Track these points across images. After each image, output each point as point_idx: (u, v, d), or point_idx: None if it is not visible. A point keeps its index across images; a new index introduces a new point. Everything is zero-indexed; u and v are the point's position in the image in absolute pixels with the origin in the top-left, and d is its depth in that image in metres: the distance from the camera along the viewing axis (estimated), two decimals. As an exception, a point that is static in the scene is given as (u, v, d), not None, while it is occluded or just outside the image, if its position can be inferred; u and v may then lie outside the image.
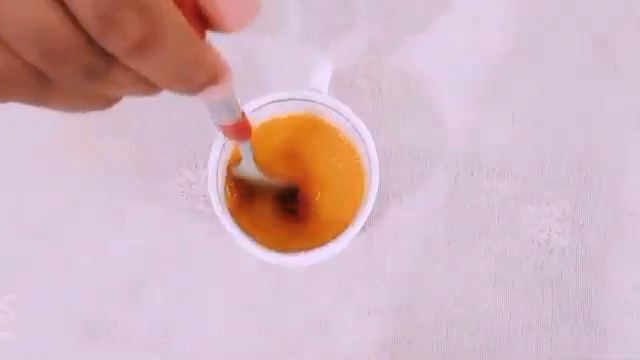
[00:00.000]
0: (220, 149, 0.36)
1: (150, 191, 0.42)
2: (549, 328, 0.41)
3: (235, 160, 0.36)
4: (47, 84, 0.16)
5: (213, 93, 0.19)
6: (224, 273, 0.41)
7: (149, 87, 0.18)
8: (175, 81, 0.17)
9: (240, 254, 0.41)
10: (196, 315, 0.41)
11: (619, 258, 0.42)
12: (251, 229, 0.36)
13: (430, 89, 0.44)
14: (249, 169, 0.35)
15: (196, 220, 0.42)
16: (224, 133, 0.28)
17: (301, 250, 0.34)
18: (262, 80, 0.44)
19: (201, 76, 0.18)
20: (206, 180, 0.35)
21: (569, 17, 0.46)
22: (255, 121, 0.38)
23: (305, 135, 0.38)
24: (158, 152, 0.43)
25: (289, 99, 0.37)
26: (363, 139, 0.36)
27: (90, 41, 0.15)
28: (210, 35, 0.19)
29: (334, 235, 0.34)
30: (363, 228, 0.35)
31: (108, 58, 0.16)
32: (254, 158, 0.34)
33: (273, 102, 0.37)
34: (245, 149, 0.34)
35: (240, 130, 0.27)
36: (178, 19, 0.16)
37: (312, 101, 0.37)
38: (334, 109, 0.37)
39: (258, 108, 0.37)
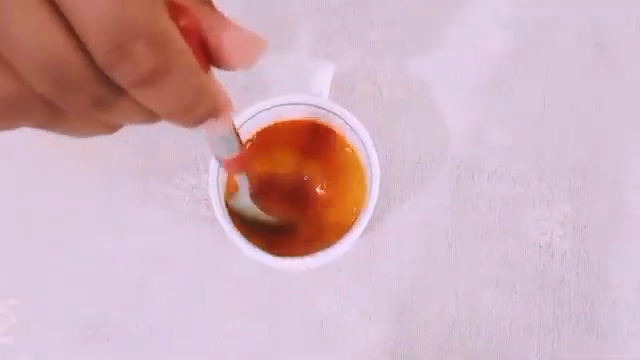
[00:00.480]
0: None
1: (151, 195, 0.42)
2: (551, 331, 0.41)
3: (232, 188, 0.36)
4: (56, 111, 0.17)
5: (213, 127, 0.19)
6: (225, 277, 0.41)
7: (151, 116, 0.18)
8: (177, 113, 0.17)
9: (241, 258, 0.41)
10: (196, 319, 0.41)
11: (620, 261, 0.42)
12: (252, 233, 0.36)
13: (431, 92, 0.45)
14: (244, 202, 0.35)
15: (197, 224, 0.42)
16: (221, 166, 0.28)
17: (302, 254, 0.34)
18: (263, 85, 0.44)
19: (202, 109, 0.18)
20: (207, 184, 0.35)
21: (569, 20, 0.46)
22: (256, 126, 0.38)
23: (306, 139, 0.38)
24: (160, 156, 0.43)
25: (290, 103, 0.37)
26: (364, 143, 0.36)
27: (99, 72, 0.15)
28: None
29: (335, 239, 0.34)
30: (364, 231, 0.35)
31: (116, 89, 0.16)
32: (250, 193, 0.35)
33: (274, 107, 0.37)
34: (242, 182, 0.34)
35: (237, 165, 0.28)
36: (186, 54, 0.16)
37: (313, 105, 0.37)
38: (335, 113, 0.37)
39: (259, 113, 0.37)
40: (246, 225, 0.36)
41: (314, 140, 0.39)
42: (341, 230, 0.35)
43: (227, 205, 0.35)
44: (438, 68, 0.45)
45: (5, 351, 0.40)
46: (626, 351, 0.41)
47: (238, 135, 0.26)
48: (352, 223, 0.35)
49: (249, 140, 0.38)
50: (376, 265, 0.41)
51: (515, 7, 0.46)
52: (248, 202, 0.35)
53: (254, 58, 0.19)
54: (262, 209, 0.36)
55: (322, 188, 0.38)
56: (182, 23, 0.17)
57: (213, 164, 0.35)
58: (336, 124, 0.38)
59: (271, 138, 0.38)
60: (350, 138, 0.38)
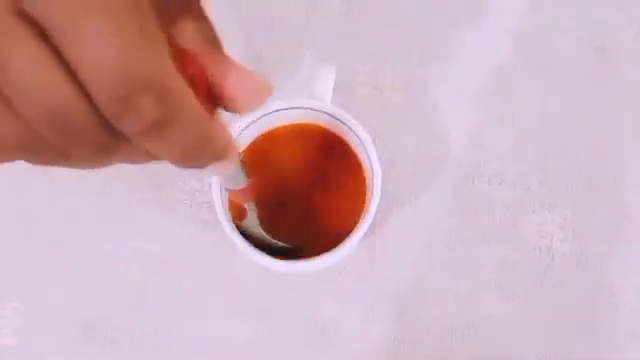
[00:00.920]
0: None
1: (154, 198, 0.43)
2: (551, 334, 0.41)
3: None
4: (63, 154, 0.17)
5: (218, 168, 0.19)
6: (227, 279, 0.41)
7: (155, 159, 0.18)
8: (183, 159, 0.17)
9: (241, 259, 0.41)
10: (198, 321, 0.41)
11: (621, 264, 0.42)
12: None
13: (432, 96, 0.45)
14: (252, 227, 0.36)
15: (199, 227, 0.42)
16: (229, 194, 0.28)
17: (303, 257, 0.34)
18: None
19: (208, 155, 0.18)
20: (210, 187, 0.35)
21: (569, 23, 0.46)
22: (257, 130, 0.38)
23: (308, 143, 0.39)
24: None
25: (292, 107, 0.37)
26: (365, 146, 0.36)
27: (104, 121, 0.15)
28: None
29: (337, 242, 0.34)
30: (365, 234, 0.35)
31: (120, 136, 0.16)
32: (258, 217, 0.35)
33: (276, 111, 0.37)
34: (249, 208, 0.34)
35: (244, 195, 0.28)
36: (192, 103, 0.16)
37: (315, 109, 0.37)
38: (336, 117, 0.37)
39: (261, 117, 0.37)
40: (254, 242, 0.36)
41: (315, 144, 0.39)
42: (342, 233, 0.35)
43: (237, 227, 0.36)
44: (439, 72, 0.45)
45: (7, 352, 0.40)
46: (627, 354, 0.41)
47: (244, 168, 0.26)
48: (353, 226, 0.35)
49: (250, 144, 0.38)
50: (377, 267, 0.42)
51: (516, 11, 0.47)
52: (257, 228, 0.35)
53: (260, 103, 0.19)
54: (270, 234, 0.36)
55: (323, 192, 0.38)
56: (190, 70, 0.17)
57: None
58: (337, 128, 0.38)
59: (272, 142, 0.38)
60: (351, 141, 0.38)
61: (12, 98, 0.15)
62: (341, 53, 0.45)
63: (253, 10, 0.46)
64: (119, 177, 0.43)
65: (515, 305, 0.41)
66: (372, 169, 0.36)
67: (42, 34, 0.14)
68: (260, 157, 0.38)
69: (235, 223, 0.36)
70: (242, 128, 0.36)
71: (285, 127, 0.38)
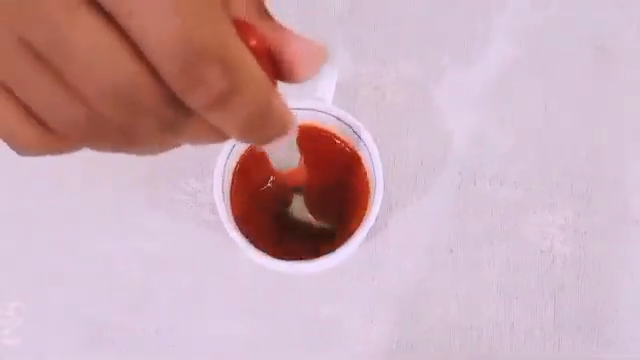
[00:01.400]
0: (226, 157, 0.36)
1: (156, 199, 0.42)
2: (552, 336, 0.41)
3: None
4: (126, 135, 0.16)
5: (279, 143, 0.19)
6: (227, 280, 0.41)
7: (220, 136, 0.18)
8: (249, 132, 0.17)
9: (244, 261, 0.41)
10: (198, 321, 0.41)
11: (622, 266, 0.42)
12: (256, 237, 0.36)
13: (434, 97, 0.45)
14: (299, 212, 0.36)
15: (201, 228, 0.42)
16: (278, 178, 0.28)
17: (304, 259, 0.34)
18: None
19: (273, 127, 0.18)
20: (212, 188, 0.35)
21: (570, 24, 0.46)
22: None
23: (309, 144, 0.38)
24: (164, 160, 0.43)
25: (293, 108, 0.37)
26: (367, 147, 0.36)
27: (169, 96, 0.15)
28: None
29: (339, 244, 0.34)
30: (367, 236, 0.35)
31: (185, 111, 0.16)
32: (305, 202, 0.35)
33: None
34: (297, 193, 0.35)
35: (297, 177, 0.28)
36: (257, 72, 0.16)
37: (316, 110, 0.37)
38: (338, 118, 0.37)
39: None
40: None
41: (317, 145, 0.39)
42: (344, 235, 0.35)
43: (282, 215, 0.36)
44: (440, 73, 0.45)
45: (7, 352, 0.40)
46: (628, 357, 0.41)
47: (299, 149, 0.26)
48: (355, 228, 0.35)
49: (250, 146, 0.38)
50: (378, 269, 0.42)
51: (516, 12, 0.47)
52: (304, 212, 0.36)
53: (318, 67, 0.19)
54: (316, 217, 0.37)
55: (325, 193, 0.38)
56: (252, 42, 0.17)
57: (218, 169, 0.35)
58: (339, 129, 0.38)
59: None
60: (353, 143, 0.38)
61: (76, 80, 0.14)
62: (343, 54, 0.45)
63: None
64: (120, 177, 0.43)
65: (515, 306, 0.41)
66: (374, 169, 0.36)
67: (103, 11, 0.14)
68: (260, 158, 0.38)
69: (278, 212, 0.36)
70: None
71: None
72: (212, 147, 0.35)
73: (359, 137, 0.37)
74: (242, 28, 0.16)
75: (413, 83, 0.45)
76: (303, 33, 0.19)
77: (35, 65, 0.14)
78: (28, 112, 0.16)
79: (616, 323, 0.41)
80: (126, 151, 0.18)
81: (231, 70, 0.15)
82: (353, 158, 0.38)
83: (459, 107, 0.45)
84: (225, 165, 0.36)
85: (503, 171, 0.43)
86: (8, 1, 0.13)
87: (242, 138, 0.18)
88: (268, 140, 0.18)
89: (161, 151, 0.18)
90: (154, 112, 0.15)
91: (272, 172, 0.28)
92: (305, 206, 0.36)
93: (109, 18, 0.14)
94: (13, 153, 0.18)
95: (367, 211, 0.36)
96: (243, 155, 0.38)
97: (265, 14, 0.19)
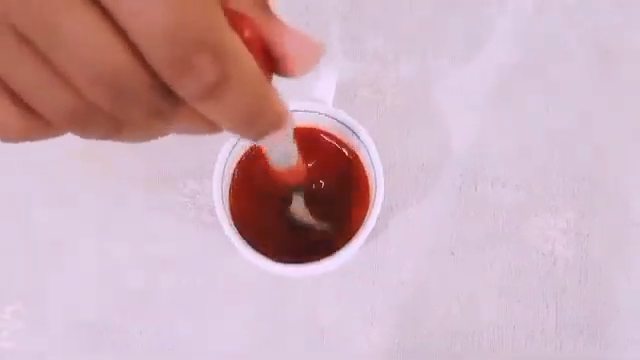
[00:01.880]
0: (225, 159, 0.36)
1: (154, 200, 0.42)
2: (553, 339, 0.41)
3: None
4: (117, 122, 0.16)
5: (274, 138, 0.19)
6: (227, 282, 0.41)
7: (211, 127, 0.17)
8: (240, 124, 0.17)
9: (244, 263, 0.41)
10: (199, 324, 0.41)
11: (623, 269, 0.42)
12: (256, 239, 0.36)
13: (435, 100, 0.45)
14: (300, 211, 0.36)
15: (200, 230, 0.42)
16: (277, 178, 0.28)
17: (305, 261, 0.34)
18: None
19: (266, 120, 0.18)
20: (211, 190, 0.35)
21: (573, 29, 0.46)
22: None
23: (309, 146, 0.38)
24: (163, 162, 0.43)
25: (293, 110, 0.37)
26: (367, 150, 0.36)
27: (159, 84, 0.15)
28: None
29: (339, 246, 0.34)
30: (368, 239, 0.35)
31: (176, 100, 0.16)
32: (304, 202, 0.35)
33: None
34: (297, 192, 0.35)
35: (295, 176, 0.28)
36: (249, 62, 0.16)
37: (316, 112, 0.37)
38: (338, 120, 0.37)
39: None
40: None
41: (317, 147, 0.39)
42: (345, 237, 0.35)
43: (282, 217, 0.36)
44: (441, 75, 0.45)
45: (7, 354, 0.40)
46: (628, 357, 0.40)
47: (297, 146, 0.26)
48: (355, 230, 0.35)
49: (250, 149, 0.38)
50: (379, 271, 0.41)
51: (518, 15, 0.46)
52: (304, 212, 0.36)
53: (315, 62, 0.19)
54: (315, 217, 0.37)
55: (325, 195, 0.38)
56: (246, 34, 0.17)
57: (217, 170, 0.35)
58: (339, 131, 0.38)
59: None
60: (353, 145, 0.38)
61: (65, 67, 0.14)
62: (343, 56, 0.45)
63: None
64: (120, 178, 0.43)
65: (517, 309, 0.41)
66: (374, 172, 0.36)
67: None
68: (259, 160, 0.38)
69: (277, 213, 0.36)
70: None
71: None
72: (211, 149, 0.36)
73: (359, 138, 0.36)
74: (235, 18, 0.16)
75: (414, 84, 0.45)
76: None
77: (24, 51, 0.14)
78: (14, 98, 0.16)
79: (618, 326, 0.41)
80: (114, 138, 0.17)
81: (222, 59, 0.15)
82: (353, 159, 0.38)
83: (460, 109, 0.44)
84: (224, 167, 0.36)
85: (504, 173, 0.43)
86: None
87: (234, 130, 0.17)
88: (262, 134, 0.18)
89: (149, 139, 0.18)
90: (143, 100, 0.15)
91: (271, 173, 0.28)
92: (305, 207, 0.35)
93: (98, 5, 0.14)
94: (14, 154, 0.18)
95: (367, 213, 0.36)
96: (242, 157, 0.38)
97: (262, 6, 0.19)
